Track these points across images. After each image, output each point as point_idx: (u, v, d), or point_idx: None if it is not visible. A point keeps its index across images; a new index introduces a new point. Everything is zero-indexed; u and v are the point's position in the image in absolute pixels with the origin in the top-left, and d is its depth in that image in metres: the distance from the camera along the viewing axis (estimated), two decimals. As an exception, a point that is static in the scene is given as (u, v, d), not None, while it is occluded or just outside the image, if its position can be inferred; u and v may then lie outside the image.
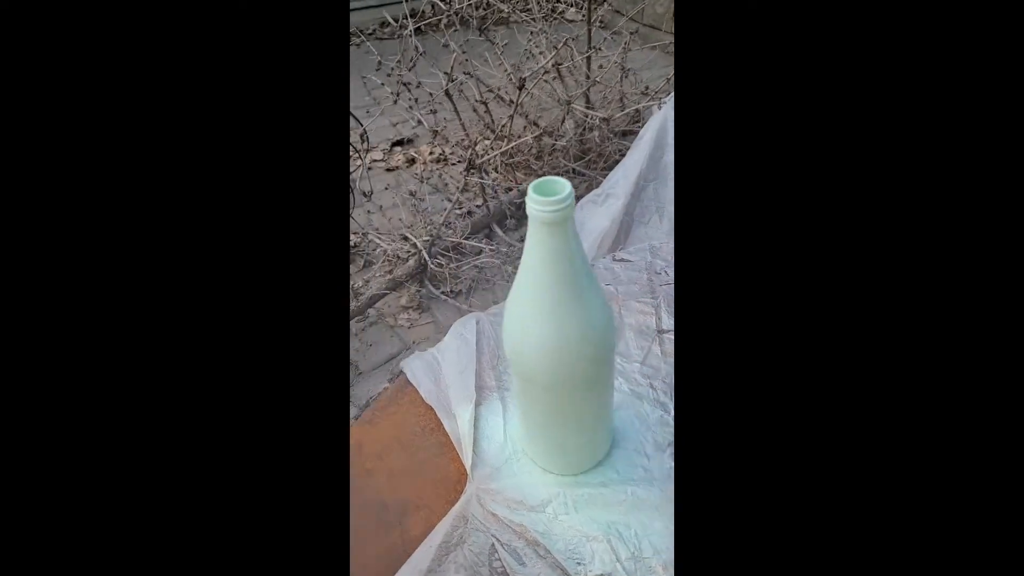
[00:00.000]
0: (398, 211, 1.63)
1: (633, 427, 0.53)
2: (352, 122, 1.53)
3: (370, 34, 3.04)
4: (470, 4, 1.48)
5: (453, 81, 1.26)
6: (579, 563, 0.44)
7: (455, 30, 1.52)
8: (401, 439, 0.56)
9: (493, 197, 1.55)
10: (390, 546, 0.48)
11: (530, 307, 0.38)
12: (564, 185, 0.34)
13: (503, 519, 0.47)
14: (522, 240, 1.53)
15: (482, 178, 1.33)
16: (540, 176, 1.60)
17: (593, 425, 0.47)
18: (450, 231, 1.36)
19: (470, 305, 1.34)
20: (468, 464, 0.51)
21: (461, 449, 0.53)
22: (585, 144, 1.47)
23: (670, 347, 0.60)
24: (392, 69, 1.33)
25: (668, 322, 0.63)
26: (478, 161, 1.17)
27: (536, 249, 0.36)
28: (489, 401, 0.56)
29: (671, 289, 0.67)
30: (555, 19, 2.01)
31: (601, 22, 1.63)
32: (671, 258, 0.72)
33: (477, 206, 1.61)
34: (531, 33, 1.35)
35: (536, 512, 0.47)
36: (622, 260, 0.72)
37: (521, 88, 1.12)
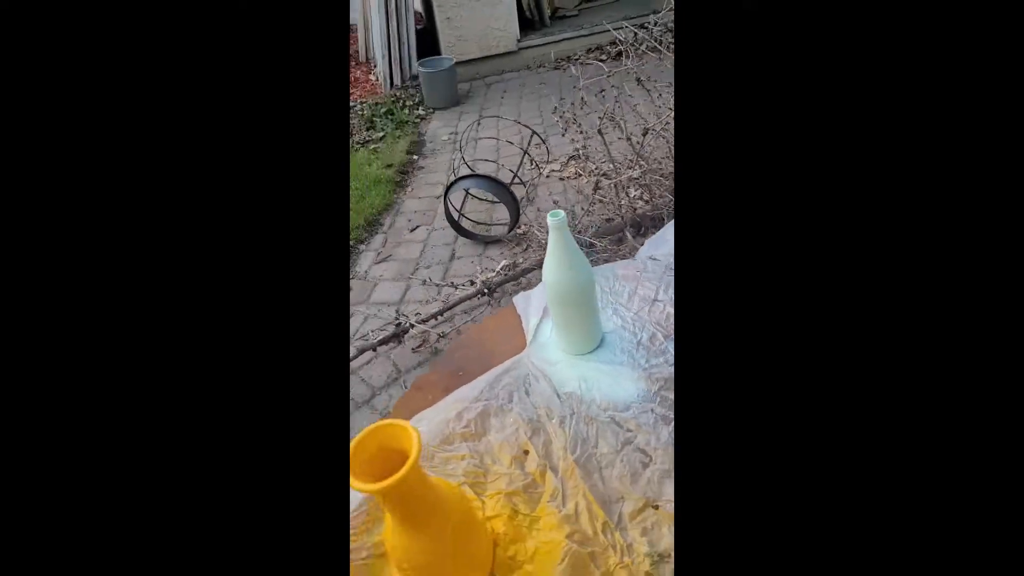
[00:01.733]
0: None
1: (615, 340, 1.02)
2: (536, 139, 2.12)
3: (577, 59, 3.64)
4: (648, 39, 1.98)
5: (603, 119, 1.78)
6: (563, 388, 0.95)
7: (643, 62, 2.03)
8: (504, 328, 1.11)
9: (631, 209, 2.03)
10: (486, 367, 1.03)
11: (553, 267, 0.91)
12: (559, 212, 0.86)
13: (535, 364, 0.99)
14: (642, 243, 2.00)
15: (621, 196, 1.82)
16: (671, 189, 2.05)
17: (586, 329, 0.98)
18: (591, 228, 1.88)
19: (591, 285, 1.86)
20: (528, 340, 1.05)
21: (527, 334, 1.07)
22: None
23: (656, 310, 1.07)
24: (565, 111, 1.88)
25: (662, 296, 1.09)
26: (610, 181, 1.67)
27: (553, 238, 0.88)
28: (546, 318, 1.09)
29: (672, 278, 1.13)
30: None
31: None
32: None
33: (617, 213, 2.11)
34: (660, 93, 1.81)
35: (552, 365, 0.99)
36: (652, 258, 1.19)
37: (645, 134, 1.60)
